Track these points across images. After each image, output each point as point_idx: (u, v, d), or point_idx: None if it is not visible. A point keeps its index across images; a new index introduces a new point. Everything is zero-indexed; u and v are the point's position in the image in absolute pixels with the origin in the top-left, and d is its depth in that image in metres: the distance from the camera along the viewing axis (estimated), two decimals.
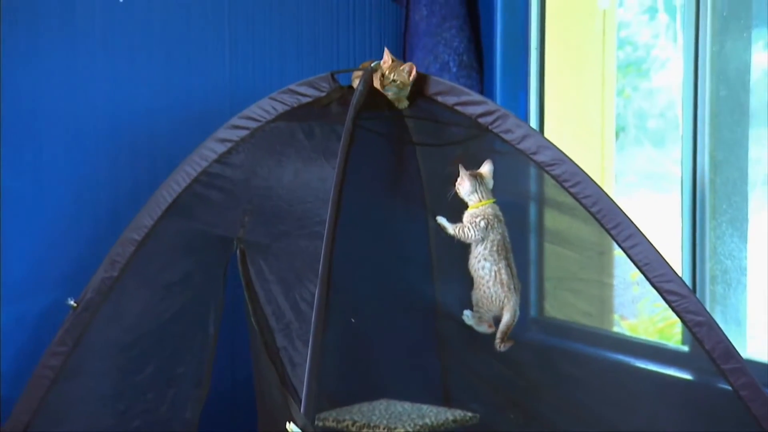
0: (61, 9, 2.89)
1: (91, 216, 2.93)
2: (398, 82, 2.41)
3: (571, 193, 2.27)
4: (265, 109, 2.51)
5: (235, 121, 2.53)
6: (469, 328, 2.46)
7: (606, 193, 2.26)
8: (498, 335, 2.38)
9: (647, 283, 2.23)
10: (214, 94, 3.09)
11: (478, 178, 2.40)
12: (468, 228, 2.37)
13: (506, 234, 2.39)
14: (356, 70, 2.53)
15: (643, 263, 2.19)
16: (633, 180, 3.92)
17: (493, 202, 2.40)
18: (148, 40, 3.00)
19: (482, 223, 2.36)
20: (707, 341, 2.13)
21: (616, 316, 3.19)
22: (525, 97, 3.25)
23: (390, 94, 2.43)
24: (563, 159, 2.28)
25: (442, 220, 2.42)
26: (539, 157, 2.30)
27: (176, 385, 2.79)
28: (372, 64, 2.45)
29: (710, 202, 2.74)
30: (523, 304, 2.95)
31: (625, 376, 2.77)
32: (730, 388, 2.12)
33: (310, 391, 2.00)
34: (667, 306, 2.21)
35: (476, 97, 2.41)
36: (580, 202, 2.26)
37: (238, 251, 2.81)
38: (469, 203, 2.40)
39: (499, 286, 2.35)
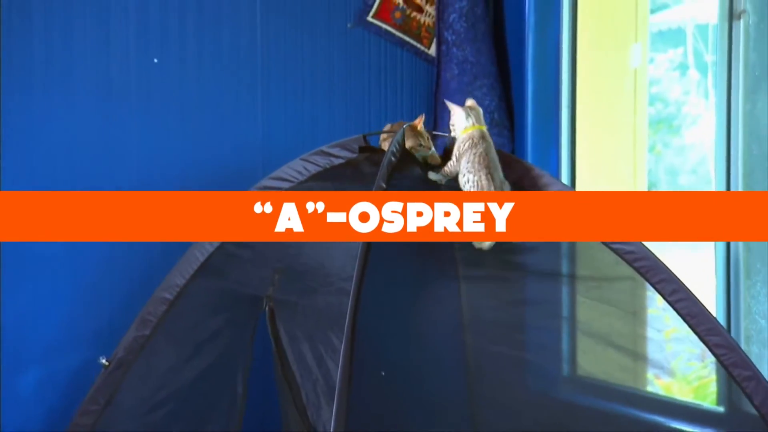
0: (96, 68, 2.95)
1: (124, 274, 2.95)
2: (425, 146, 2.46)
3: (613, 250, 2.29)
4: (297, 169, 2.54)
5: (267, 182, 2.57)
6: (501, 384, 2.46)
7: (648, 249, 2.27)
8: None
9: (682, 342, 2.23)
10: (247, 153, 3.13)
11: (467, 108, 2.44)
12: (451, 161, 2.41)
13: (491, 151, 2.40)
14: (384, 132, 2.56)
15: (689, 317, 2.21)
16: None
17: (485, 128, 2.43)
18: (182, 99, 3.05)
19: (465, 145, 2.38)
20: (756, 396, 2.14)
21: (650, 375, 3.17)
22: (556, 154, 3.28)
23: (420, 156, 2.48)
24: None
25: (432, 175, 2.46)
26: None
27: None
28: (404, 126, 2.48)
29: (744, 261, 2.74)
30: (556, 361, 2.94)
31: None
32: None
33: None
34: (702, 364, 2.21)
35: (505, 155, 2.45)
36: (623, 258, 2.28)
37: (267, 309, 2.82)
38: (460, 132, 2.44)
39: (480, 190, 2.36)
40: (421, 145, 2.46)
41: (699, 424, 2.70)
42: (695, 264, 3.63)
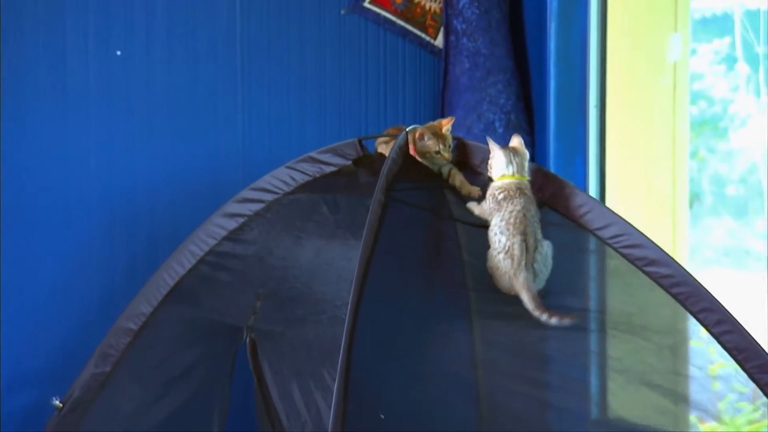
0: (50, 62, 2.96)
1: (81, 302, 2.96)
2: (442, 154, 2.45)
3: (646, 273, 2.28)
4: (282, 179, 2.53)
5: (247, 193, 2.55)
6: (518, 427, 2.47)
7: (688, 272, 2.26)
8: (531, 311, 2.40)
9: (729, 380, 2.22)
10: (225, 162, 3.14)
11: (511, 150, 2.41)
12: (486, 205, 2.41)
13: (530, 209, 2.39)
14: (382, 137, 2.56)
15: (737, 352, 2.19)
16: (710, 256, 3.92)
17: (526, 180, 2.42)
18: (150, 98, 3.07)
19: (501, 195, 2.38)
20: None
21: (692, 418, 3.16)
22: (583, 162, 3.28)
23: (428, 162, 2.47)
24: (633, 233, 2.30)
25: (471, 204, 2.46)
26: (605, 233, 2.31)
27: None
28: (407, 129, 2.48)
29: None
30: (583, 401, 2.95)
31: None
32: None
33: None
34: (753, 406, 2.20)
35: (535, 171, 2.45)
36: (657, 282, 2.27)
37: (248, 341, 2.82)
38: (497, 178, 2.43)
39: (509, 259, 2.36)
40: (438, 152, 2.45)
41: None
42: (744, 284, 3.63)
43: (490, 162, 2.43)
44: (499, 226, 2.37)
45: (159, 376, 2.71)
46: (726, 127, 4.00)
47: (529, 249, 2.37)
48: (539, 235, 2.39)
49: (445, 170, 2.48)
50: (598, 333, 2.84)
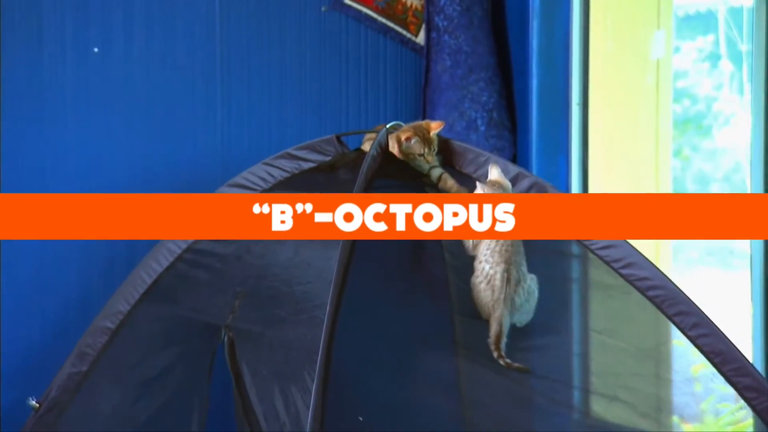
0: (26, 59, 2.95)
1: (57, 300, 2.96)
2: (425, 158, 2.46)
3: (622, 276, 2.30)
4: (259, 176, 2.54)
5: (224, 190, 2.57)
6: (500, 423, 2.49)
7: (665, 275, 2.28)
8: (491, 345, 2.44)
9: (711, 379, 2.25)
10: (204, 160, 3.14)
11: (496, 187, 2.43)
12: (468, 243, 2.45)
13: (515, 243, 2.41)
14: (368, 132, 2.57)
15: (713, 355, 2.21)
16: (694, 256, 3.94)
17: None
18: (128, 95, 3.07)
19: None
20: None
21: (675, 419, 3.17)
22: (566, 160, 3.29)
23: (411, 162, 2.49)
24: None
25: None
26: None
27: None
28: (387, 126, 2.49)
29: None
30: (565, 402, 2.96)
31: None
32: None
33: None
34: (736, 406, 2.22)
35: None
36: (633, 285, 2.29)
37: (226, 341, 2.82)
38: None
39: (489, 291, 2.40)
40: (422, 155, 2.46)
41: None
42: (728, 284, 3.65)
43: None
44: (484, 254, 2.40)
45: (137, 375, 2.70)
46: (710, 125, 4.02)
47: (510, 280, 2.40)
48: (524, 268, 2.41)
49: (435, 173, 2.49)
50: (580, 334, 2.85)
